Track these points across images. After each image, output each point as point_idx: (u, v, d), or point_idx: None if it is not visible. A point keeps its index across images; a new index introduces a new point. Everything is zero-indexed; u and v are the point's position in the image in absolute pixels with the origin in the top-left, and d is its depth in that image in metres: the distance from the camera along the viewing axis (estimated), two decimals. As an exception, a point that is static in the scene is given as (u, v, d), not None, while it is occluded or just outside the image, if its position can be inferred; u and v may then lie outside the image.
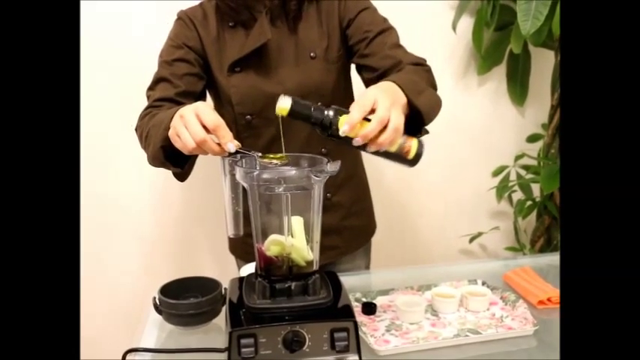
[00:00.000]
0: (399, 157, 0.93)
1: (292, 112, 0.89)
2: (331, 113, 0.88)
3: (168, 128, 0.95)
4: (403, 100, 0.94)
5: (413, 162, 0.94)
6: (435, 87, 1.12)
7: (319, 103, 0.91)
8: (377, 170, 1.78)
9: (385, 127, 0.85)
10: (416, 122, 1.00)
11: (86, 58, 1.56)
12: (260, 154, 0.93)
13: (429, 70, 1.13)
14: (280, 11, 1.18)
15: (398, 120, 0.86)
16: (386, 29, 1.18)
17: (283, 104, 0.89)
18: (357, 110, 0.85)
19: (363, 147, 0.88)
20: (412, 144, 0.93)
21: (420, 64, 1.13)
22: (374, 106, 0.86)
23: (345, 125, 0.85)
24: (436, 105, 1.06)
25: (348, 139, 0.87)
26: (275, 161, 0.93)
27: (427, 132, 1.06)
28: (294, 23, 1.19)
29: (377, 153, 0.90)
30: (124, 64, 1.67)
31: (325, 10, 1.20)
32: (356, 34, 1.18)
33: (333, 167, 0.88)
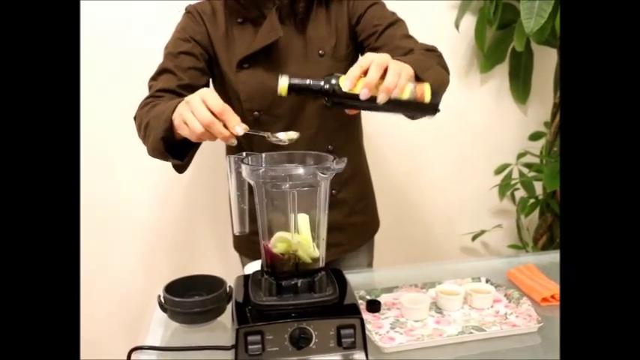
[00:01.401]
0: (415, 104, 0.89)
1: (292, 89, 0.89)
2: (331, 78, 0.88)
3: (170, 119, 0.95)
4: (410, 71, 0.93)
5: (432, 107, 0.90)
6: (446, 69, 1.11)
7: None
8: (380, 167, 1.78)
9: (385, 73, 0.85)
10: None
11: (86, 58, 1.57)
12: (270, 134, 0.93)
13: (440, 55, 1.13)
14: (289, 11, 1.19)
15: (398, 65, 0.86)
16: (395, 21, 1.18)
17: (282, 83, 0.89)
18: (355, 67, 0.86)
19: (374, 101, 0.86)
20: (425, 87, 0.90)
21: (431, 50, 1.13)
22: (371, 62, 0.86)
23: (346, 80, 0.86)
24: (443, 81, 1.05)
25: (355, 98, 0.86)
26: (285, 139, 0.93)
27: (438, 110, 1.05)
28: (302, 23, 1.19)
29: (392, 106, 0.88)
30: (124, 64, 1.67)
31: (334, 10, 1.21)
32: (366, 29, 1.18)
33: (339, 164, 0.88)
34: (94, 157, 1.70)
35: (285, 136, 0.93)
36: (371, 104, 0.87)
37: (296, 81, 0.89)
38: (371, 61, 0.87)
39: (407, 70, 0.89)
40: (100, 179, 1.74)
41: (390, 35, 1.16)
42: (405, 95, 0.88)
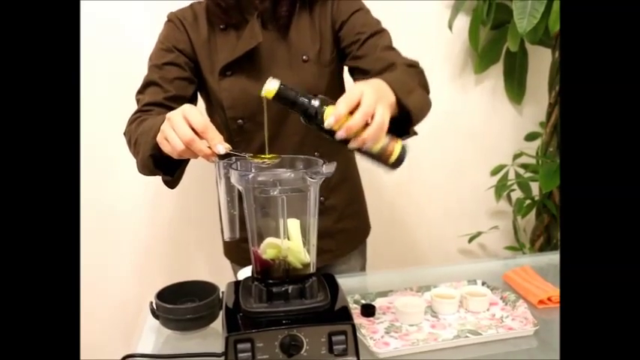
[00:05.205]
0: (380, 158, 0.91)
1: (278, 96, 0.88)
2: (317, 103, 0.87)
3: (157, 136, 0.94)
4: (392, 98, 0.93)
5: (394, 166, 0.92)
6: (427, 89, 1.10)
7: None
8: (374, 170, 1.77)
9: (369, 124, 0.84)
10: (405, 123, 0.99)
11: (86, 58, 1.56)
12: (251, 155, 0.92)
13: (421, 72, 1.11)
14: (271, 15, 1.17)
15: (383, 116, 0.85)
16: (379, 31, 1.16)
17: (271, 86, 0.87)
18: (343, 103, 0.84)
19: (346, 142, 0.86)
20: (395, 147, 0.91)
21: (413, 66, 1.11)
22: (360, 101, 0.84)
23: (331, 117, 0.84)
24: (425, 106, 1.04)
25: (331, 132, 0.86)
26: (267, 161, 0.92)
27: (416, 133, 1.04)
28: (285, 27, 1.18)
29: (359, 151, 0.88)
30: (124, 64, 1.66)
31: (317, 13, 1.19)
32: (349, 36, 1.16)
33: (328, 169, 0.87)
34: (90, 162, 1.69)
35: (266, 158, 0.92)
36: (341, 141, 0.87)
37: (286, 91, 0.88)
38: (359, 99, 0.84)
39: (386, 118, 0.86)
40: (95, 183, 1.73)
41: (372, 45, 1.14)
42: (376, 148, 0.89)
